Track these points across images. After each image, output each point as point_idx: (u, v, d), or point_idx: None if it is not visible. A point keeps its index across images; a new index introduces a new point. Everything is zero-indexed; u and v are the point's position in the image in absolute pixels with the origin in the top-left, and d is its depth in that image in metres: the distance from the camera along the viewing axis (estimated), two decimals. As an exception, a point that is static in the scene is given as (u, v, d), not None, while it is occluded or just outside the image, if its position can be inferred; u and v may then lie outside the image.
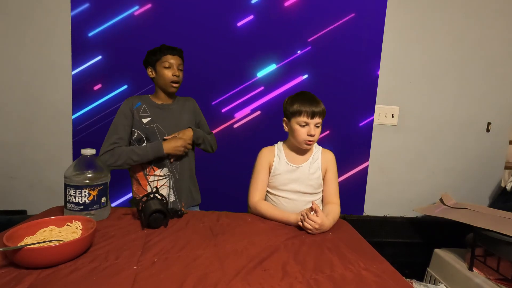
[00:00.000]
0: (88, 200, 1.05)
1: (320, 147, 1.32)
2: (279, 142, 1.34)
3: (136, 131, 1.39)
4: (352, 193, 2.19)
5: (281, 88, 2.04)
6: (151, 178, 1.41)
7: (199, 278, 0.77)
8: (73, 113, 1.94)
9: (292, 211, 1.20)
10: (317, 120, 1.20)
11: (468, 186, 2.27)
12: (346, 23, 2.03)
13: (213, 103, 2.01)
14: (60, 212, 1.11)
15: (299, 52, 2.02)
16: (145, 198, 1.13)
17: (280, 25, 1.99)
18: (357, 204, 2.21)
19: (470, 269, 1.58)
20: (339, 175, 1.32)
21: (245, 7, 1.96)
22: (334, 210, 1.21)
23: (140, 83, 1.92)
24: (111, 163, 1.32)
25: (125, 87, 1.94)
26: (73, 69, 1.91)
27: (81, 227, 0.94)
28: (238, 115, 2.04)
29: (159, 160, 1.39)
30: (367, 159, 2.18)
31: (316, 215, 1.08)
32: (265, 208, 1.22)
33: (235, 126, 2.04)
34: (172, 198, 1.43)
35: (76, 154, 1.96)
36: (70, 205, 1.05)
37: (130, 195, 2.00)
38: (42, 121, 1.94)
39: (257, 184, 1.27)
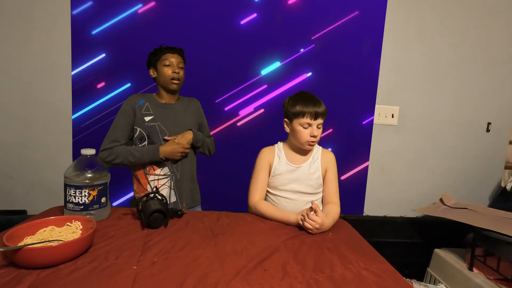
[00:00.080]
0: (88, 200, 1.05)
1: (320, 147, 1.32)
2: (279, 142, 1.34)
3: (138, 129, 1.39)
4: (352, 193, 2.19)
5: (285, 86, 2.04)
6: (151, 178, 1.41)
7: (199, 278, 0.77)
8: (73, 113, 1.94)
9: (292, 211, 1.20)
10: (320, 121, 1.20)
11: (468, 186, 2.27)
12: (350, 21, 2.03)
13: (217, 101, 2.01)
14: (60, 212, 1.11)
15: (302, 50, 2.02)
16: (145, 198, 1.13)
17: (284, 23, 1.99)
18: (357, 204, 2.21)
19: (470, 269, 1.58)
20: (339, 175, 1.32)
21: (248, 5, 1.96)
22: (334, 210, 1.21)
23: (144, 81, 1.92)
24: (109, 160, 1.36)
25: (128, 85, 1.94)
26: (73, 68, 1.91)
27: (81, 227, 0.94)
28: (241, 113, 2.04)
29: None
30: (367, 159, 2.17)
31: (316, 215, 1.08)
32: (265, 208, 1.22)
33: (238, 124, 2.04)
34: (173, 199, 1.43)
35: (76, 154, 1.96)
36: (70, 205, 1.05)
37: (130, 195, 2.00)
38: (42, 121, 1.94)
39: (257, 184, 1.27)
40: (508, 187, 2.14)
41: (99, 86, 1.93)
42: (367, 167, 2.18)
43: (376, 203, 2.22)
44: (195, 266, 0.83)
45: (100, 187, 1.08)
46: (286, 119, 1.27)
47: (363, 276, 0.83)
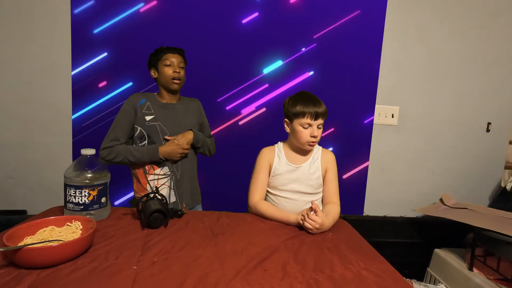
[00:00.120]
0: (88, 200, 1.05)
1: (320, 147, 1.32)
2: (279, 142, 1.34)
3: (139, 128, 1.39)
4: (352, 193, 2.19)
5: (287, 84, 2.04)
6: (150, 177, 1.41)
7: (199, 278, 0.77)
8: (73, 113, 1.94)
9: (292, 211, 1.20)
10: (320, 121, 1.20)
11: (468, 186, 2.27)
12: (351, 20, 2.03)
13: (219, 100, 2.01)
14: (60, 212, 1.11)
15: (303, 49, 2.02)
16: (145, 198, 1.13)
17: (285, 22, 2.00)
18: (357, 204, 2.21)
19: (470, 269, 1.58)
20: (339, 174, 1.32)
21: (250, 4, 1.96)
22: (334, 210, 1.21)
23: (146, 80, 1.92)
24: (110, 159, 1.37)
25: (130, 84, 1.94)
26: (74, 68, 1.91)
27: (81, 227, 0.94)
28: (243, 112, 2.04)
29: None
30: (367, 159, 2.17)
31: (316, 215, 1.08)
32: (265, 208, 1.22)
33: (240, 123, 2.04)
34: (173, 199, 1.43)
35: (76, 154, 1.96)
36: (70, 205, 1.05)
37: (130, 194, 2.00)
38: (42, 121, 1.94)
39: (257, 184, 1.27)
40: (508, 187, 2.14)
41: (101, 85, 1.93)
42: (367, 167, 2.18)
43: (376, 203, 2.22)
44: (195, 266, 0.83)
45: (100, 187, 1.08)
46: (286, 119, 1.27)
47: (363, 276, 0.83)
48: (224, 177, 2.05)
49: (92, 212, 1.07)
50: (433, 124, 2.20)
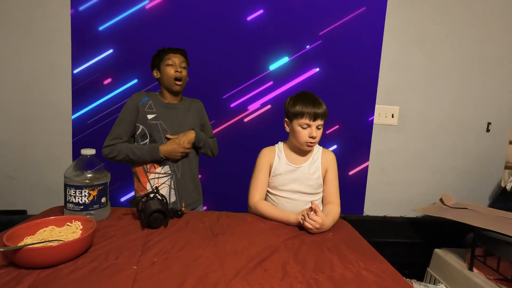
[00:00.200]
0: (88, 200, 1.05)
1: (321, 147, 1.32)
2: (279, 142, 1.34)
3: (141, 126, 1.40)
4: (352, 193, 2.19)
5: (292, 81, 2.04)
6: (151, 176, 1.41)
7: (199, 278, 0.77)
8: (73, 113, 1.94)
9: (292, 211, 1.20)
10: (319, 122, 1.20)
11: (468, 186, 2.27)
12: (353, 19, 2.03)
13: (224, 96, 2.01)
14: (60, 212, 1.11)
15: (308, 47, 2.02)
16: (145, 198, 1.13)
17: (290, 18, 2.00)
18: (357, 204, 2.21)
19: (470, 269, 1.58)
20: (339, 174, 1.32)
21: (254, 1, 1.96)
22: (334, 210, 1.21)
23: (151, 77, 1.90)
24: (111, 157, 1.38)
25: (135, 81, 1.94)
26: (75, 67, 1.91)
27: (81, 227, 0.94)
28: (249, 109, 2.04)
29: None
30: (367, 159, 2.17)
31: (316, 215, 1.08)
32: (265, 208, 1.22)
33: (245, 120, 2.04)
34: (173, 199, 1.43)
35: (76, 154, 1.96)
36: (70, 205, 1.05)
37: (130, 194, 2.00)
38: (42, 121, 1.94)
39: (257, 184, 1.27)
40: (508, 187, 2.15)
41: (106, 82, 1.93)
42: (367, 167, 2.18)
43: (376, 203, 2.22)
44: (195, 266, 0.83)
45: (100, 187, 1.08)
46: (286, 119, 1.27)
47: (363, 276, 0.83)
48: (224, 177, 2.05)
49: (92, 212, 1.07)
50: (433, 124, 2.20)
